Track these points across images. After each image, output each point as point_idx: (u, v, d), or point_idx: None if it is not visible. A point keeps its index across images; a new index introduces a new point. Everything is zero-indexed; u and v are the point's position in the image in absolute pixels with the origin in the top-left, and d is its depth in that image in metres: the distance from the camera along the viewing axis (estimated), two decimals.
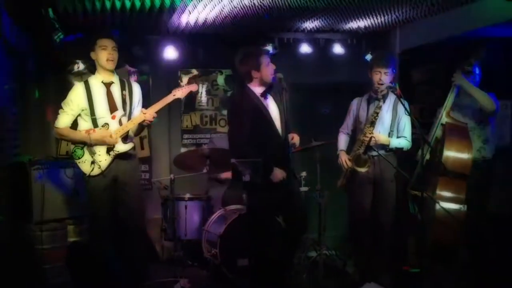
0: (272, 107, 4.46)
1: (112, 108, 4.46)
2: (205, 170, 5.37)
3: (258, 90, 4.44)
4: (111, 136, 4.38)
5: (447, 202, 4.38)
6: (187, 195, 5.57)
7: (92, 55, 4.46)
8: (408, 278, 5.00)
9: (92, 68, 5.94)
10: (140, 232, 4.62)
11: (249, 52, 4.46)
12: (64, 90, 6.01)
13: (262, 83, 4.44)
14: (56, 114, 4.58)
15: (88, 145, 4.39)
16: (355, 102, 5.06)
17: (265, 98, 4.42)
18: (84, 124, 4.46)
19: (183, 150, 6.59)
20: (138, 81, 6.05)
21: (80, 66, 6.24)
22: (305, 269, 5.23)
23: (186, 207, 5.45)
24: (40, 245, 5.06)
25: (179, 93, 4.57)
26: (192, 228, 5.45)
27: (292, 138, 4.39)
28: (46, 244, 5.09)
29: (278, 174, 4.29)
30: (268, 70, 4.40)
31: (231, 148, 4.48)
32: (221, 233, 4.98)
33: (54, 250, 5.08)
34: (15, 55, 5.20)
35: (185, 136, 6.76)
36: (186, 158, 5.69)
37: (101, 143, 4.38)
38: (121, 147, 4.45)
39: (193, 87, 4.67)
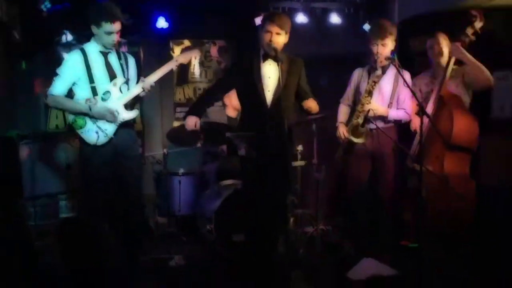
0: (269, 73, 4.33)
1: (112, 76, 4.36)
2: (199, 145, 5.37)
3: (262, 52, 4.35)
4: (111, 113, 4.28)
5: (455, 177, 4.40)
6: (181, 170, 5.58)
7: (93, 29, 4.28)
8: (406, 253, 5.05)
9: (81, 38, 5.93)
10: (137, 206, 4.58)
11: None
12: (52, 62, 6.02)
13: (262, 48, 4.34)
14: (44, 87, 4.51)
15: (87, 115, 4.29)
16: (356, 72, 5.05)
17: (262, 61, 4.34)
18: (82, 93, 4.33)
19: (176, 124, 6.58)
20: (129, 53, 6.01)
21: (68, 36, 6.18)
22: (302, 244, 5.28)
23: (180, 182, 5.47)
24: (33, 221, 5.07)
25: (182, 58, 4.52)
26: (186, 204, 5.47)
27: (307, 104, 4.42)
28: (38, 220, 5.11)
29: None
30: (264, 36, 4.26)
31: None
32: (216, 208, 5.01)
33: (46, 226, 5.10)
34: None
35: (178, 109, 6.76)
36: (179, 132, 5.68)
37: (101, 117, 4.29)
38: (126, 115, 4.37)
39: (195, 52, 4.61)
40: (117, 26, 4.25)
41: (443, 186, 4.34)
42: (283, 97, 4.28)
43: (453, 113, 4.48)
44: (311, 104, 4.45)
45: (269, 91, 4.27)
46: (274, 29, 4.19)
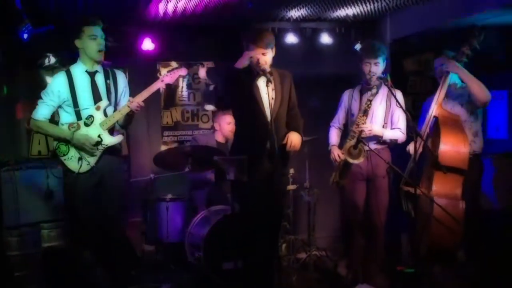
0: (264, 90, 4.27)
1: (97, 98, 4.39)
2: (187, 169, 5.39)
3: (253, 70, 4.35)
4: (92, 144, 4.31)
5: (444, 199, 4.43)
6: (169, 196, 5.60)
7: (78, 43, 4.36)
8: (402, 278, 5.08)
9: (64, 61, 5.97)
10: (121, 235, 4.60)
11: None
12: (34, 85, 6.05)
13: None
14: (26, 112, 4.53)
15: (69, 142, 4.32)
16: (346, 94, 5.12)
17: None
18: (67, 117, 4.38)
19: (163, 148, 6.61)
20: None
21: (51, 59, 6.21)
22: (295, 271, 5.29)
23: (167, 209, 5.48)
24: (13, 251, 5.05)
25: (168, 78, 4.56)
26: (174, 231, 5.47)
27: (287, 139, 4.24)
28: (18, 250, 5.08)
29: None
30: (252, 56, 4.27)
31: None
32: (205, 235, 5.02)
33: (28, 256, 5.08)
34: None
35: (166, 133, 6.79)
36: (166, 157, 5.69)
37: (80, 146, 4.32)
38: (109, 140, 4.40)
39: (182, 71, 4.64)
40: (99, 30, 4.33)
41: (433, 208, 4.37)
42: (280, 113, 4.31)
43: (440, 133, 4.52)
44: (293, 138, 4.25)
45: (266, 108, 4.25)
46: (259, 50, 4.23)
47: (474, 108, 4.77)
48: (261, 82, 4.27)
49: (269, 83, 4.13)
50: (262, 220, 4.27)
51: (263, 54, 4.22)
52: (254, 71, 4.28)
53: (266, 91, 4.17)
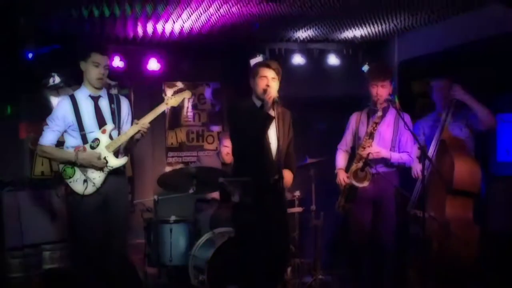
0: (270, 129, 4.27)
1: (101, 122, 4.46)
2: (191, 191, 5.40)
3: (257, 102, 4.33)
4: (99, 158, 4.38)
5: (458, 223, 4.46)
6: (172, 218, 5.60)
7: (82, 65, 4.45)
8: None
9: (69, 81, 6.04)
10: (124, 258, 4.61)
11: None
12: (38, 105, 6.11)
13: (256, 95, 4.34)
14: (29, 132, 4.57)
15: (75, 164, 4.38)
16: (354, 117, 5.13)
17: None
18: (72, 141, 4.45)
19: (167, 169, 6.63)
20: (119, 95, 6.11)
21: (56, 79, 6.27)
22: None
23: (171, 231, 5.48)
24: (14, 273, 5.05)
25: (172, 101, 4.61)
26: (177, 253, 5.47)
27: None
28: (19, 272, 5.09)
29: None
30: (259, 82, 4.25)
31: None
32: (209, 258, 5.02)
33: (29, 278, 5.08)
34: None
35: (170, 154, 6.83)
36: (171, 178, 5.72)
37: (88, 164, 4.37)
38: (115, 162, 4.46)
39: (186, 94, 4.71)
40: (105, 59, 4.41)
41: (445, 232, 4.38)
42: (282, 151, 4.23)
43: (453, 157, 4.55)
44: (285, 176, 4.21)
45: (271, 143, 4.25)
46: (270, 73, 4.24)
47: (473, 132, 4.82)
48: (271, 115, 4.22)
49: (275, 113, 4.12)
50: (266, 244, 4.28)
51: (273, 78, 4.24)
52: (259, 104, 4.27)
53: (274, 125, 4.15)
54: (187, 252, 5.41)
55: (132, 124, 4.50)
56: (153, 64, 6.35)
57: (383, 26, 5.79)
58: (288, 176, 4.31)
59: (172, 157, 6.83)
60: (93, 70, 4.40)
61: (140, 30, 5.79)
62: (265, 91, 4.18)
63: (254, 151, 4.25)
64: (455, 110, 4.84)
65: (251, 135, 4.22)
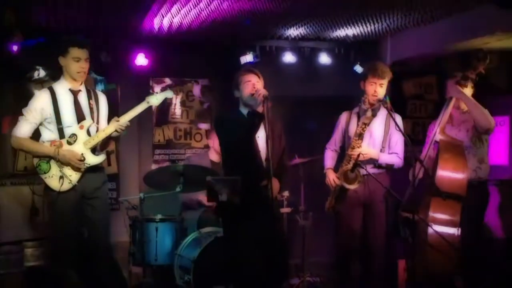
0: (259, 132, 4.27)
1: (80, 117, 4.45)
2: (178, 189, 5.39)
3: (245, 111, 4.33)
4: (79, 159, 4.35)
5: (440, 225, 4.46)
6: (158, 216, 5.58)
7: (61, 60, 4.44)
8: None
9: (54, 74, 5.99)
10: (106, 256, 4.59)
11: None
12: (22, 99, 6.03)
13: (243, 103, 4.34)
14: (13, 126, 4.52)
15: (53, 159, 4.36)
16: (344, 116, 5.13)
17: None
18: (49, 134, 4.42)
19: (154, 166, 6.61)
20: (106, 90, 6.08)
21: (41, 73, 6.23)
22: None
23: (156, 229, 5.45)
24: None
25: (154, 100, 4.60)
26: (163, 253, 5.45)
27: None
28: (1, 269, 5.06)
29: None
30: (245, 88, 4.27)
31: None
32: (195, 257, 5.01)
33: (10, 275, 5.05)
34: None
35: (157, 151, 6.80)
36: (157, 176, 5.70)
37: (66, 162, 4.35)
38: (92, 160, 4.45)
39: (168, 94, 4.71)
40: (84, 53, 4.39)
41: (434, 236, 4.39)
42: (276, 156, 4.28)
43: (439, 158, 4.56)
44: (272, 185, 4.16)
45: (260, 148, 4.25)
46: (253, 78, 4.26)
47: (479, 134, 4.78)
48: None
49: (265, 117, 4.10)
50: (255, 244, 4.27)
51: (257, 81, 4.26)
52: (246, 111, 4.27)
53: (258, 134, 4.18)
54: (173, 251, 5.40)
55: (109, 121, 4.50)
56: (141, 60, 6.32)
57: (376, 26, 5.81)
58: (275, 184, 4.22)
59: (159, 154, 6.81)
60: (73, 64, 4.38)
61: (128, 25, 5.77)
62: (252, 94, 4.19)
63: (243, 158, 4.25)
64: (457, 113, 4.84)
65: (239, 144, 4.22)
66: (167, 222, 5.56)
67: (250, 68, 4.40)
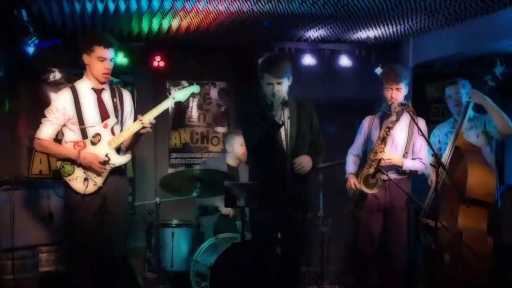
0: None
1: (104, 116, 4.40)
2: (195, 194, 5.41)
3: (269, 100, 4.34)
4: (101, 163, 4.31)
5: (471, 233, 4.46)
6: (174, 221, 5.61)
7: (85, 58, 4.36)
8: None
9: (70, 77, 6.06)
10: (123, 262, 4.60)
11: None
12: (38, 101, 6.14)
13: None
14: (29, 128, 4.54)
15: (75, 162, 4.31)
16: (366, 120, 5.12)
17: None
18: (71, 135, 4.37)
19: (170, 170, 6.64)
20: None
21: (56, 75, 6.30)
22: None
23: (173, 235, 5.49)
24: (8, 275, 5.06)
25: (180, 95, 4.55)
26: (179, 258, 5.48)
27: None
28: (15, 274, 5.10)
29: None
30: (266, 88, 4.29)
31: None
32: (211, 264, 5.02)
33: (24, 281, 5.09)
34: None
35: (173, 155, 6.84)
36: (173, 180, 5.72)
37: (88, 165, 4.30)
38: (117, 160, 4.39)
39: (194, 88, 4.66)
40: (110, 52, 4.34)
41: (457, 242, 4.37)
42: (299, 145, 4.32)
43: (467, 165, 4.55)
44: (302, 160, 4.27)
45: (283, 140, 4.25)
46: (274, 80, 4.25)
47: (490, 139, 4.81)
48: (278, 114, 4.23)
49: (287, 111, 4.13)
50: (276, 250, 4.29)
51: (278, 83, 4.25)
52: (270, 102, 4.28)
53: (284, 129, 4.17)
54: (189, 257, 5.42)
55: (135, 120, 4.44)
56: (158, 61, 6.35)
57: (398, 27, 5.79)
58: (305, 160, 4.26)
59: (175, 158, 6.84)
60: (98, 64, 4.32)
61: (147, 28, 5.81)
62: (273, 96, 4.21)
63: (264, 149, 4.25)
64: (472, 116, 4.84)
65: (260, 134, 4.22)
66: (183, 227, 5.59)
67: (271, 68, 4.29)
